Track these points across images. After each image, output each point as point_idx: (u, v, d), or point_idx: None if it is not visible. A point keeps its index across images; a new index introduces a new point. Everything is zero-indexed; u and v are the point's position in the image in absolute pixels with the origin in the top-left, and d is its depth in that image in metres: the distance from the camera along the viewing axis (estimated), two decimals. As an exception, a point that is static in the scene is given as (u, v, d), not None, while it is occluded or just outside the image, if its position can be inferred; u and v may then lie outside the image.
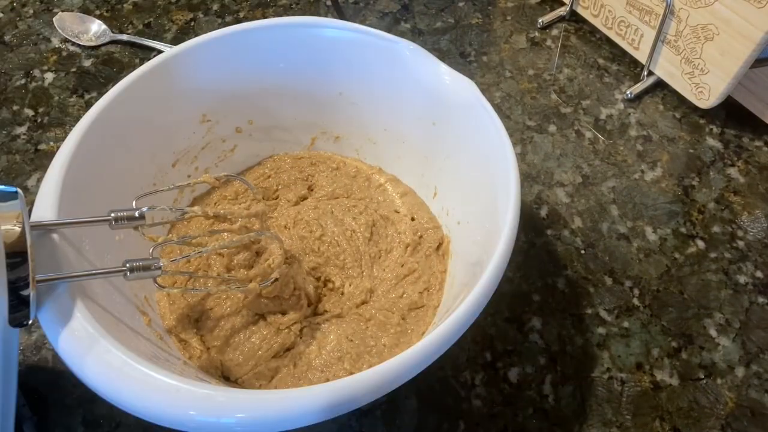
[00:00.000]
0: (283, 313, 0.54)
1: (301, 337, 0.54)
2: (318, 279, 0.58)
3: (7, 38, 0.84)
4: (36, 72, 0.80)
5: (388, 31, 0.60)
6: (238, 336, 0.53)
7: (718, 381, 0.56)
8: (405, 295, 0.56)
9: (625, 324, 0.59)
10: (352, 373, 0.39)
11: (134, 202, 0.47)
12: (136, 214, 0.46)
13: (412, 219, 0.61)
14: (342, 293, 0.57)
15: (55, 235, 0.44)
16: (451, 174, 0.59)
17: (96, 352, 0.38)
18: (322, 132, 0.66)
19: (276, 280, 0.53)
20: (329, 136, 0.66)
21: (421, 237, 0.60)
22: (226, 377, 0.51)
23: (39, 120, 0.75)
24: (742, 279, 0.62)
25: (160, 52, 0.82)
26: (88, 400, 0.53)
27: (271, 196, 0.64)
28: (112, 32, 0.84)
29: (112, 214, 0.45)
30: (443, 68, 0.56)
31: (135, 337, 0.45)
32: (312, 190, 0.65)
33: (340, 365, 0.51)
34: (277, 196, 0.64)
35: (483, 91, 0.54)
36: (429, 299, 0.56)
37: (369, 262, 0.58)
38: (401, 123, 0.62)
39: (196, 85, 0.58)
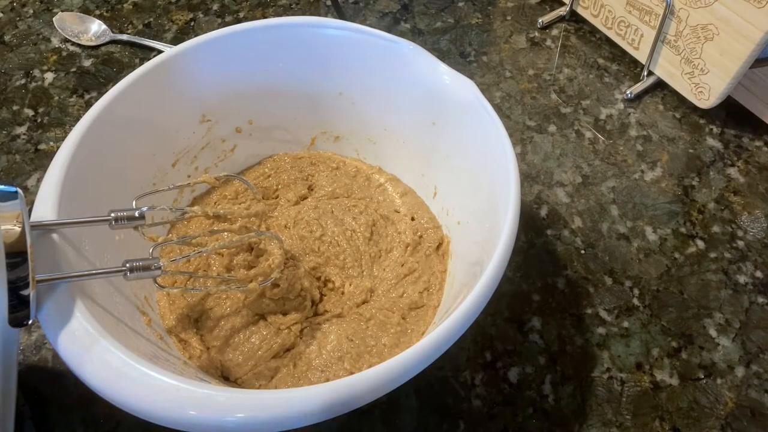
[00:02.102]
0: (284, 314, 0.54)
1: (301, 337, 0.54)
2: (318, 279, 0.57)
3: (7, 38, 0.84)
4: (36, 72, 0.80)
5: (388, 31, 0.60)
6: (238, 336, 0.53)
7: (718, 381, 0.56)
8: (405, 295, 0.56)
9: (625, 324, 0.59)
10: (352, 373, 0.39)
11: (134, 202, 0.47)
12: (136, 214, 0.46)
13: (412, 219, 0.61)
14: (342, 293, 0.57)
15: (55, 235, 0.44)
16: (451, 174, 0.59)
17: (96, 352, 0.38)
18: (322, 132, 0.66)
19: (277, 283, 0.53)
20: (329, 136, 0.66)
21: (421, 237, 0.60)
22: (226, 377, 0.51)
23: (39, 120, 0.75)
24: (742, 279, 0.62)
25: (160, 52, 0.82)
26: (88, 400, 0.53)
27: (271, 195, 0.64)
28: (112, 32, 0.84)
29: (112, 214, 0.45)
30: (443, 68, 0.56)
31: (135, 337, 0.45)
32: (312, 189, 0.65)
33: (341, 365, 0.51)
34: (277, 195, 0.64)
35: (483, 91, 0.54)
36: (429, 299, 0.56)
37: (369, 262, 0.58)
38: (401, 123, 0.62)
39: (196, 85, 0.58)
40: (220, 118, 0.61)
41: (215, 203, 0.62)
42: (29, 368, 0.55)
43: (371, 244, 0.59)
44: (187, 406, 0.36)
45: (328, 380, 0.49)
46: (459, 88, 0.55)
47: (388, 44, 0.57)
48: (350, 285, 0.57)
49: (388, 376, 0.38)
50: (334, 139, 0.67)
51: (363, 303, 0.56)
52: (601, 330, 0.59)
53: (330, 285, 0.57)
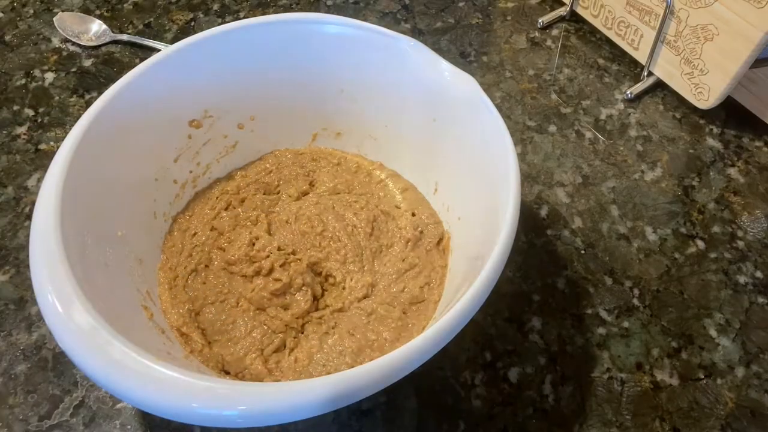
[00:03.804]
0: (285, 308, 0.54)
1: (302, 332, 0.54)
2: (319, 274, 0.57)
3: (7, 38, 0.84)
4: (36, 72, 0.80)
5: (389, 30, 0.61)
6: (240, 330, 0.53)
7: (718, 381, 0.56)
8: (406, 290, 0.56)
9: (625, 324, 0.59)
10: (353, 367, 0.39)
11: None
12: None
13: (413, 214, 0.61)
14: (343, 288, 0.57)
15: (56, 231, 0.44)
16: (451, 170, 0.59)
17: (98, 345, 0.38)
18: (323, 128, 0.66)
19: (279, 278, 0.53)
20: (330, 133, 0.66)
21: (421, 232, 0.60)
22: (227, 371, 0.51)
23: (39, 120, 0.75)
24: (742, 279, 0.62)
25: (160, 51, 0.82)
26: (89, 400, 0.53)
27: (272, 191, 0.64)
28: (113, 32, 0.84)
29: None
30: (444, 64, 0.56)
31: (136, 331, 0.45)
32: (313, 185, 0.64)
33: (342, 359, 0.51)
34: (278, 191, 0.64)
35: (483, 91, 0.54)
36: (430, 294, 0.55)
37: (370, 257, 0.58)
38: (402, 119, 0.62)
39: (197, 81, 0.58)
40: (221, 114, 0.61)
41: (217, 198, 0.62)
42: (29, 368, 0.55)
43: (372, 240, 0.59)
44: (188, 398, 0.36)
45: (329, 374, 0.49)
46: (459, 85, 0.55)
47: (389, 41, 0.57)
48: (351, 280, 0.57)
49: (389, 368, 0.38)
50: (335, 136, 0.66)
51: (364, 298, 0.56)
52: (601, 330, 0.59)
53: (331, 280, 0.57)
